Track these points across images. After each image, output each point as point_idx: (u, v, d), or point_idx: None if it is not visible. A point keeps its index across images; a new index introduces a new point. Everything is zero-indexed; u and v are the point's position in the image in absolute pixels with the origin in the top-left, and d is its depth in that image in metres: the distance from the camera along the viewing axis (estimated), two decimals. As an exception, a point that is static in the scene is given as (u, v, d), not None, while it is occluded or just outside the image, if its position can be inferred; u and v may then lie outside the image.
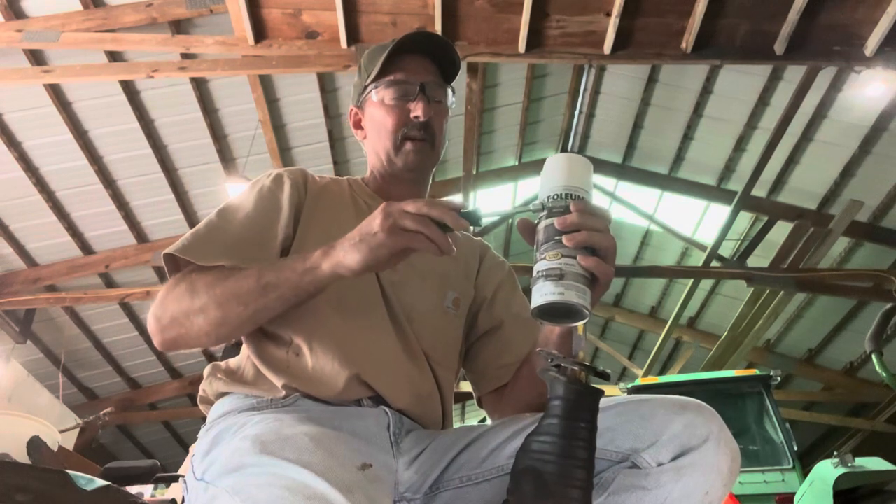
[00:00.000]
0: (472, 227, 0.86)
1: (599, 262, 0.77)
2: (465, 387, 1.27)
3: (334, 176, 1.27)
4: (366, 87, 1.19)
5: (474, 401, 1.22)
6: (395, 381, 1.04)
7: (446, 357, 1.15)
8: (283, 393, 0.99)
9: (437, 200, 0.82)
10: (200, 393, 1.09)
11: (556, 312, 0.77)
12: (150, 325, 0.96)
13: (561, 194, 0.81)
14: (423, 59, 1.18)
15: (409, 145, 1.14)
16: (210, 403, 1.07)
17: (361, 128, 1.24)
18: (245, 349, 1.09)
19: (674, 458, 0.83)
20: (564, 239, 0.77)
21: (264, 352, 1.03)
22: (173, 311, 0.93)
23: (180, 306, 0.93)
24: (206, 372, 1.09)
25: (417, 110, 1.13)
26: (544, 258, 0.78)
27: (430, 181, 1.28)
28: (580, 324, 0.80)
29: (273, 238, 1.05)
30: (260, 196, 1.09)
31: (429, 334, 1.12)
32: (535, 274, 0.78)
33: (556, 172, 0.83)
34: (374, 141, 1.19)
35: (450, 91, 1.21)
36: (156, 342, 0.96)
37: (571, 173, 0.83)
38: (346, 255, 0.84)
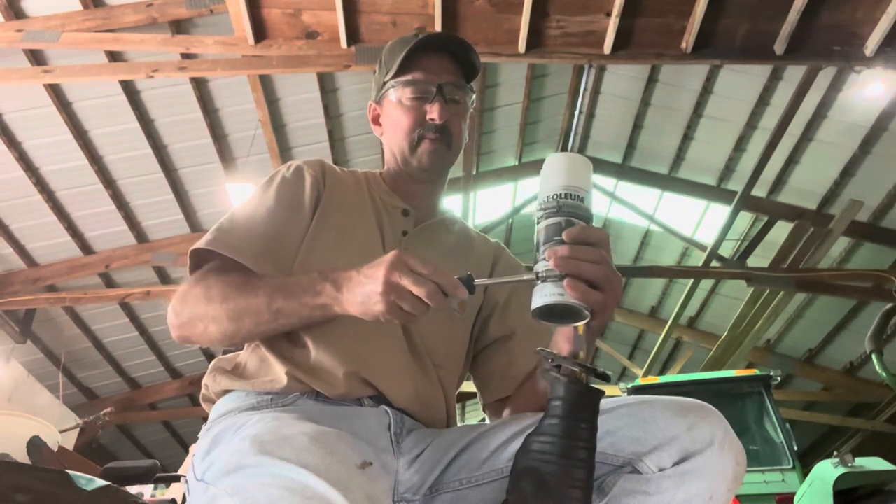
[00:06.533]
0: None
1: (588, 290, 0.75)
2: (466, 387, 1.25)
3: (352, 169, 1.27)
4: (385, 83, 1.18)
5: (475, 400, 1.21)
6: (395, 380, 1.04)
7: (448, 359, 1.14)
8: (285, 382, 0.99)
9: (445, 274, 0.82)
10: (203, 390, 1.09)
11: (557, 313, 0.77)
12: (170, 319, 1.01)
13: (561, 194, 0.81)
14: (442, 59, 1.16)
15: (425, 145, 1.14)
16: (211, 402, 1.07)
17: (380, 124, 1.24)
18: (248, 344, 1.10)
19: (676, 463, 0.83)
20: (552, 263, 0.76)
21: (271, 343, 1.06)
22: (190, 313, 0.99)
23: (196, 310, 0.99)
24: (210, 367, 1.10)
25: (433, 112, 1.12)
26: (544, 259, 0.78)
27: (446, 180, 1.28)
28: (581, 324, 0.79)
29: (292, 233, 1.10)
30: (280, 190, 1.13)
31: (431, 335, 1.11)
32: (534, 275, 0.78)
33: (555, 172, 0.83)
34: (390, 139, 1.20)
35: (469, 91, 1.19)
36: (173, 335, 1.03)
37: (571, 173, 0.83)
38: (351, 305, 0.88)
